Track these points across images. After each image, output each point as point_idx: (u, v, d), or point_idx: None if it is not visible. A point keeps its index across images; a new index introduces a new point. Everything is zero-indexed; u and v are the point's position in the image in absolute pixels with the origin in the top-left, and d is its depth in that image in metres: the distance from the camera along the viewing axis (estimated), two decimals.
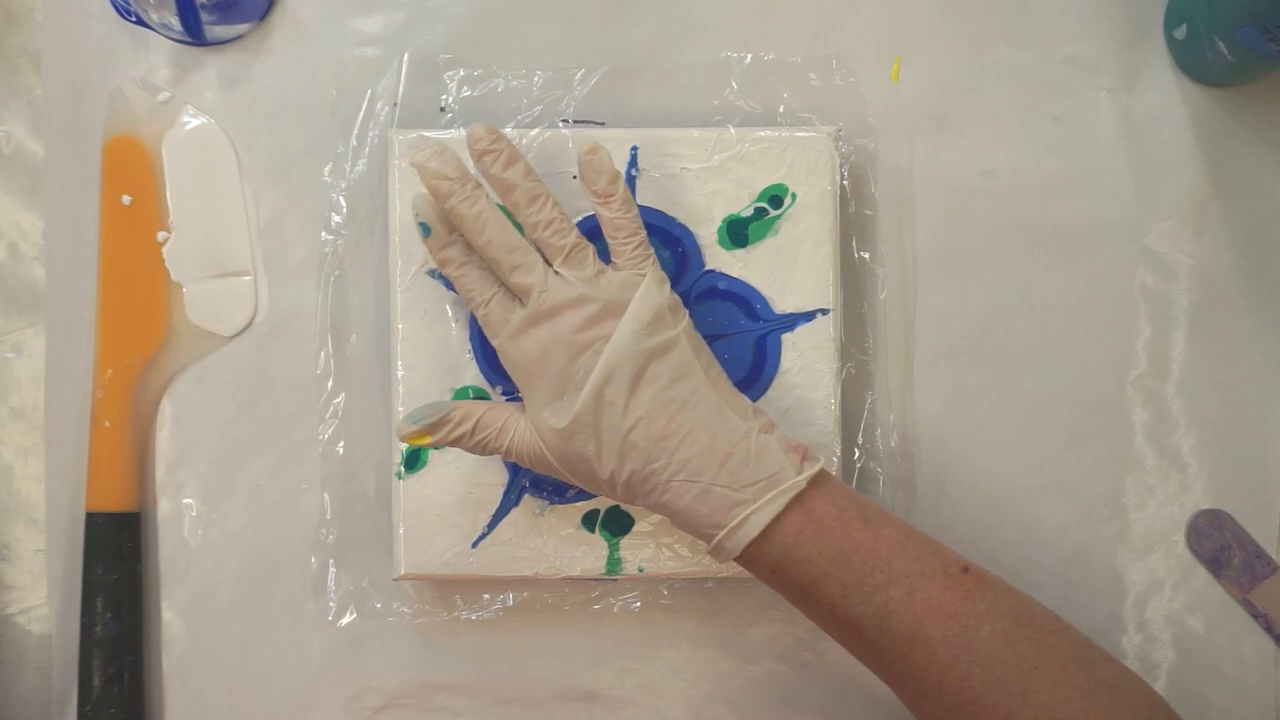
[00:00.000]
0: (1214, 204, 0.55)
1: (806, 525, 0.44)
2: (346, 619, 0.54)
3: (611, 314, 0.45)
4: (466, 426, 0.47)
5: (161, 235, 0.55)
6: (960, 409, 0.55)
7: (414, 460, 0.52)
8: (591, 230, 0.49)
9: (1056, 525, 0.55)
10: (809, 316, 0.52)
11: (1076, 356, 0.55)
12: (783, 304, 0.52)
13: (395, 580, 0.52)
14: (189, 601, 0.55)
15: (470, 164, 0.47)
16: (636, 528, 0.52)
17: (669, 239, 0.52)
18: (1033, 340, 0.55)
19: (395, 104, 0.55)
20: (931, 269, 0.55)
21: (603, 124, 0.54)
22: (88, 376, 0.54)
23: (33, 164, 0.56)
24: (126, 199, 0.55)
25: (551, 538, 0.52)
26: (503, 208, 0.47)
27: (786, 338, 0.52)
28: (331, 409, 0.54)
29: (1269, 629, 0.54)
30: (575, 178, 0.52)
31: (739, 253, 0.52)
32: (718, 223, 0.52)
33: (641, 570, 0.52)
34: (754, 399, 0.52)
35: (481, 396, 0.52)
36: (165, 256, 0.55)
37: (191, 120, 0.55)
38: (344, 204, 0.55)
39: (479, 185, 0.47)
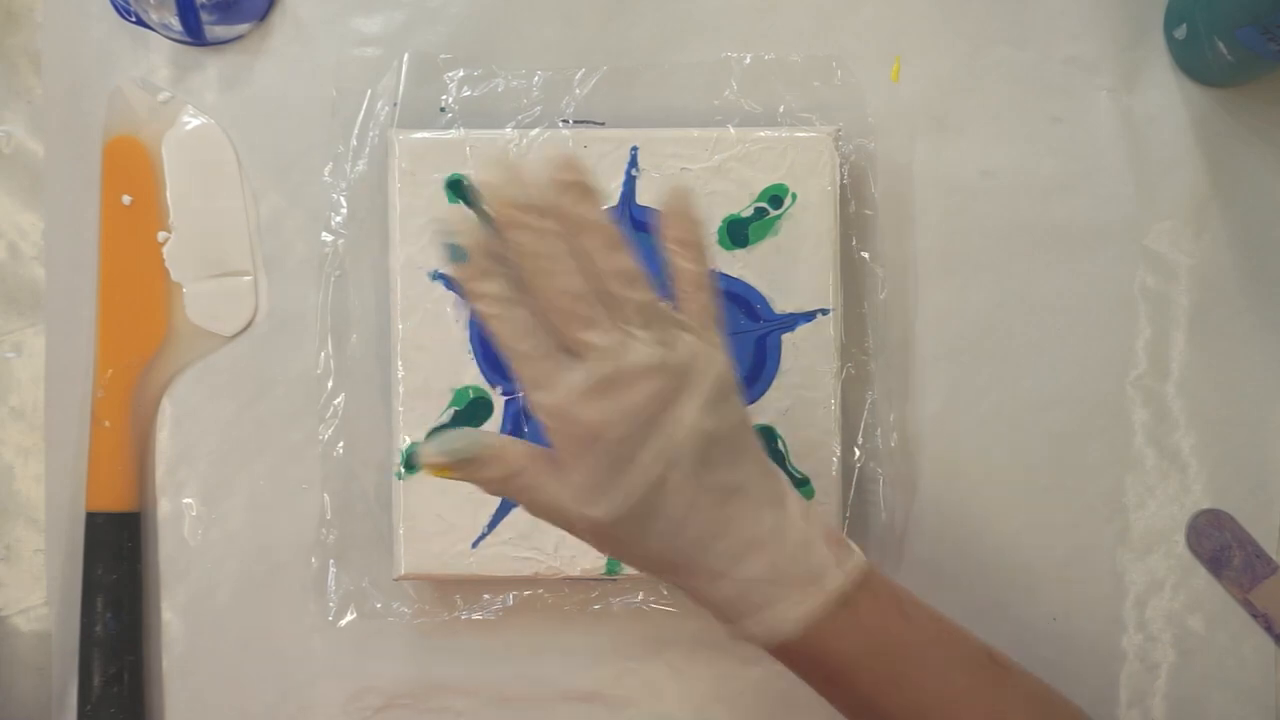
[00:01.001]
0: (1214, 204, 0.55)
1: (843, 618, 0.40)
2: (346, 619, 0.54)
3: (685, 387, 0.39)
4: (495, 473, 0.40)
5: (161, 235, 0.55)
6: (960, 409, 0.55)
7: (414, 460, 0.52)
8: None
9: (1056, 525, 0.55)
10: (809, 316, 0.52)
11: (1076, 356, 0.55)
12: (783, 304, 0.52)
13: (395, 580, 0.52)
14: (189, 601, 0.55)
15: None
16: None
17: None
18: (1033, 340, 0.55)
19: (395, 104, 0.55)
20: (931, 269, 0.55)
21: (603, 124, 0.54)
22: (88, 376, 0.54)
23: (33, 164, 0.56)
24: (126, 199, 0.55)
25: (551, 538, 0.52)
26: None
27: (786, 338, 0.52)
28: (331, 409, 0.54)
29: (1269, 629, 0.54)
30: None
31: (739, 253, 0.52)
32: (718, 223, 0.52)
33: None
34: (754, 399, 0.52)
35: (482, 397, 0.52)
36: (165, 256, 0.55)
37: (191, 120, 0.55)
38: (344, 204, 0.55)
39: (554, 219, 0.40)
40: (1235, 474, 0.55)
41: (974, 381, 0.55)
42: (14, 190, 0.56)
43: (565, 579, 0.52)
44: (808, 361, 0.52)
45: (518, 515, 0.52)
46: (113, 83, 0.55)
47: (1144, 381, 0.55)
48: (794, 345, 0.52)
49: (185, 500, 0.55)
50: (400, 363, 0.52)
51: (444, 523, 0.51)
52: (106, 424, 0.54)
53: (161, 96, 0.55)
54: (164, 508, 0.55)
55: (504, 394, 0.52)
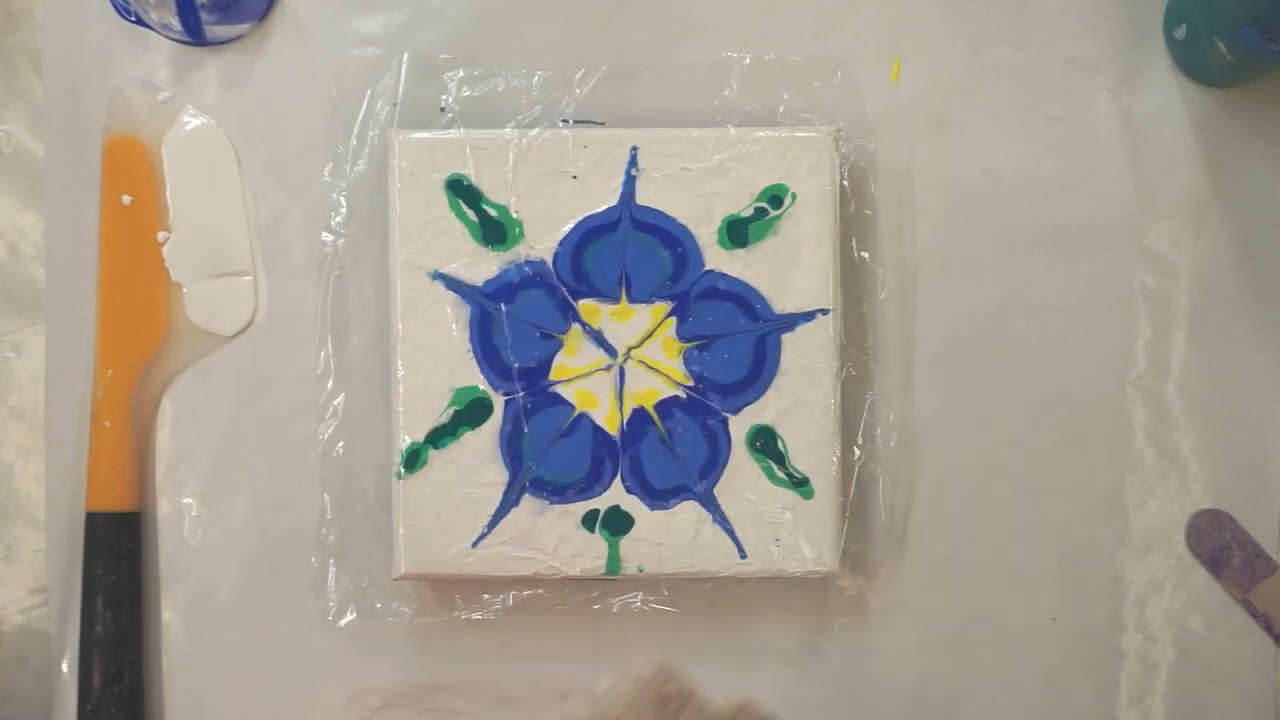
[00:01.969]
0: (1214, 204, 0.55)
1: None
2: (346, 619, 0.54)
3: None
4: None
5: (161, 235, 0.55)
6: (960, 409, 0.55)
7: (414, 460, 0.52)
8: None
9: (1056, 525, 0.55)
10: (809, 316, 0.52)
11: (1076, 356, 0.55)
12: (783, 304, 0.52)
13: (395, 580, 0.52)
14: (189, 601, 0.55)
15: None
16: (636, 528, 0.52)
17: (669, 239, 0.52)
18: (1033, 340, 0.55)
19: (395, 104, 0.55)
20: (931, 269, 0.55)
21: (603, 124, 0.54)
22: (88, 376, 0.54)
23: (33, 164, 0.56)
24: (126, 199, 0.55)
25: (551, 538, 0.52)
26: None
27: (786, 338, 0.52)
28: (331, 409, 0.54)
29: (1269, 629, 0.54)
30: (575, 177, 0.52)
31: (739, 253, 0.52)
32: (718, 223, 0.52)
33: (641, 570, 0.52)
34: (754, 399, 0.52)
35: (483, 398, 0.52)
36: (165, 256, 0.55)
37: (191, 120, 0.55)
38: (344, 204, 0.55)
39: None
40: (1235, 474, 0.55)
41: (974, 381, 0.55)
42: (14, 190, 0.56)
43: (565, 579, 0.52)
44: (808, 361, 0.52)
45: (518, 515, 0.52)
46: (113, 83, 0.55)
47: (1144, 381, 0.55)
48: (794, 345, 0.52)
49: (185, 500, 0.55)
50: (400, 363, 0.52)
51: (444, 523, 0.52)
52: (106, 424, 0.54)
53: (161, 96, 0.55)
54: (164, 508, 0.55)
55: (504, 394, 0.52)
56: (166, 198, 0.55)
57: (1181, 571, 0.55)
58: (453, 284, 0.52)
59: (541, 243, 0.52)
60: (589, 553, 0.52)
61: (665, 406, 0.52)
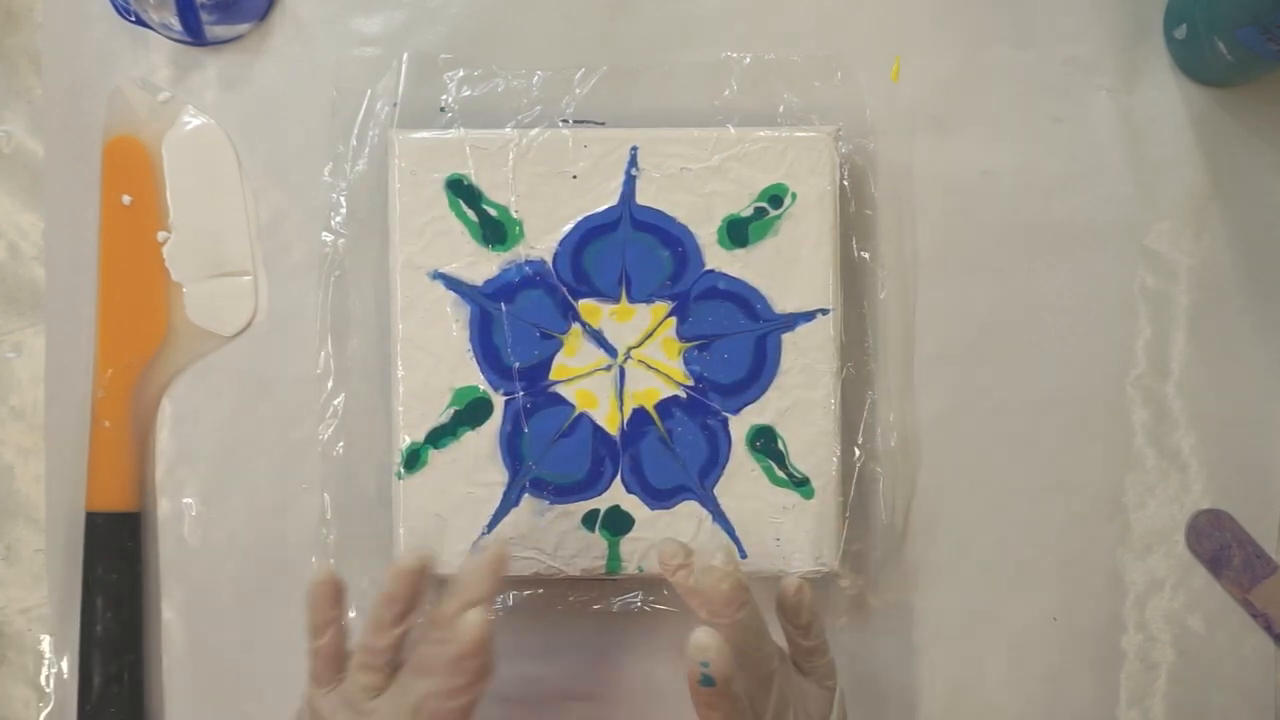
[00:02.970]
0: (1214, 204, 0.55)
1: None
2: (346, 619, 0.54)
3: None
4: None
5: (161, 235, 0.55)
6: (960, 409, 0.55)
7: (414, 460, 0.52)
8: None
9: (1056, 525, 0.55)
10: (809, 316, 0.52)
11: (1076, 356, 0.55)
12: (783, 304, 0.52)
13: None
14: (189, 601, 0.55)
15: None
16: (636, 528, 0.52)
17: (669, 239, 0.52)
18: (1033, 340, 0.55)
19: (395, 104, 0.55)
20: (931, 269, 0.55)
21: (603, 124, 0.54)
22: (88, 376, 0.54)
23: (33, 164, 0.56)
24: (126, 199, 0.55)
25: (551, 538, 0.52)
26: None
27: (786, 338, 0.52)
28: (331, 409, 0.54)
29: (1269, 629, 0.54)
30: (575, 177, 0.52)
31: (739, 252, 0.52)
32: (718, 222, 0.52)
33: (641, 570, 0.52)
34: (754, 399, 0.52)
35: (483, 399, 0.52)
36: (165, 256, 0.55)
37: (191, 120, 0.55)
38: (344, 204, 0.55)
39: None
40: (1235, 474, 0.55)
41: (974, 381, 0.55)
42: (14, 190, 0.56)
43: (565, 579, 0.52)
44: (808, 361, 0.52)
45: (518, 515, 0.52)
46: (113, 83, 0.55)
47: (1144, 381, 0.55)
48: (794, 345, 0.52)
49: (185, 500, 0.55)
50: (400, 363, 0.52)
51: (444, 523, 0.51)
52: (106, 424, 0.54)
53: (161, 96, 0.55)
54: (164, 508, 0.55)
55: (504, 394, 0.52)
56: (166, 198, 0.55)
57: (1181, 571, 0.55)
58: (453, 284, 0.52)
59: (541, 242, 0.52)
60: (589, 553, 0.52)
61: (665, 406, 0.52)
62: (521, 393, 0.52)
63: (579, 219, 0.52)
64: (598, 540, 0.52)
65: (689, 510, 0.52)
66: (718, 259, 0.52)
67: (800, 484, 0.52)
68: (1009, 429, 0.55)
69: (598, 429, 0.52)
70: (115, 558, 0.53)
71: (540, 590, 0.54)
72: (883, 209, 0.55)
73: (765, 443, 0.52)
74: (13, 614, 0.55)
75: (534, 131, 0.52)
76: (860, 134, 0.55)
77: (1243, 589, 0.54)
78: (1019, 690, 0.55)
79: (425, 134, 0.52)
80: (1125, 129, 0.55)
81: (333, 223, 0.55)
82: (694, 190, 0.52)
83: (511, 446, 0.52)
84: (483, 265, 0.52)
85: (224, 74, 0.56)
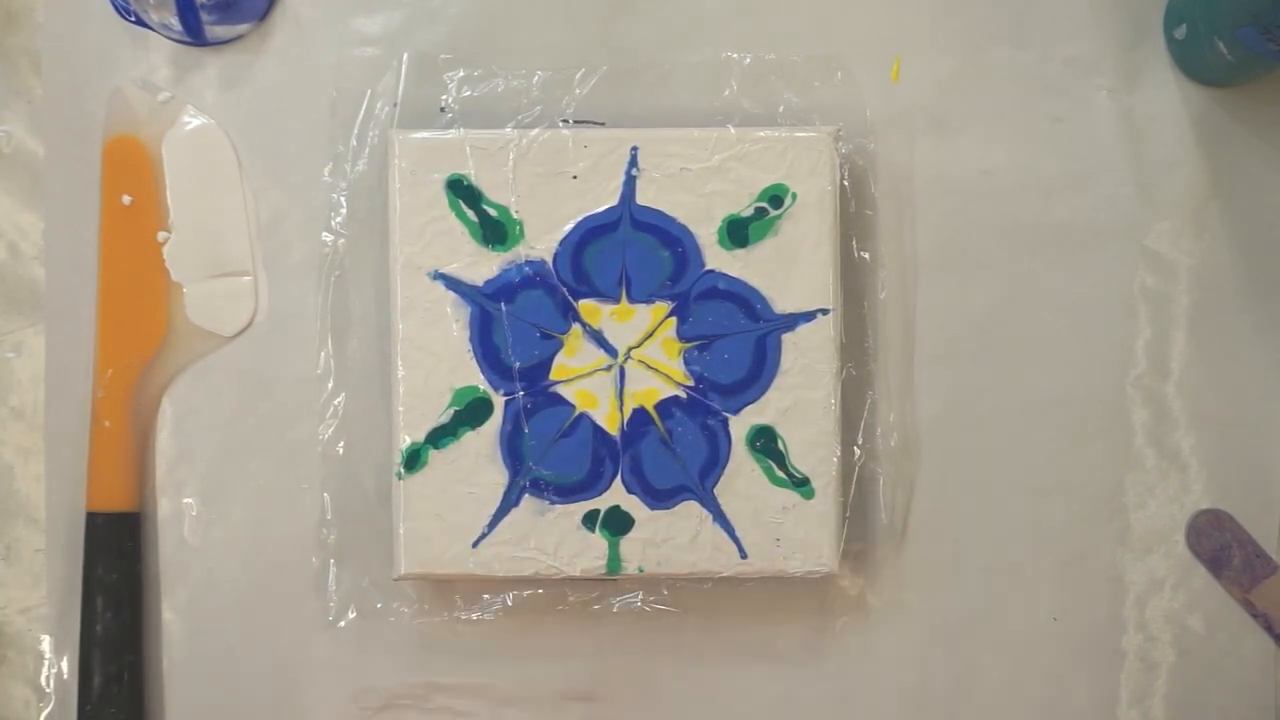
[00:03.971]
0: (1214, 204, 0.55)
1: None
2: (346, 619, 0.54)
3: None
4: None
5: (161, 235, 0.55)
6: (960, 409, 0.55)
7: (414, 460, 0.52)
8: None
9: (1056, 525, 0.55)
10: (809, 316, 0.52)
11: (1076, 356, 0.55)
12: (783, 304, 0.52)
13: (395, 580, 0.52)
14: (189, 601, 0.55)
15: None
16: (637, 528, 0.52)
17: (669, 239, 0.52)
18: (1033, 340, 0.55)
19: (395, 104, 0.55)
20: (931, 269, 0.55)
21: (603, 124, 0.54)
22: (88, 376, 0.54)
23: (33, 164, 0.56)
24: (126, 199, 0.55)
25: (551, 538, 0.52)
26: None
27: (786, 338, 0.52)
28: (331, 409, 0.54)
29: (1269, 629, 0.54)
30: (575, 177, 0.52)
31: (739, 253, 0.52)
32: (718, 223, 0.52)
33: (641, 570, 0.52)
34: (754, 399, 0.52)
35: (483, 399, 0.52)
36: (165, 256, 0.55)
37: (191, 120, 0.55)
38: (344, 204, 0.55)
39: None
40: (1235, 474, 0.55)
41: (974, 381, 0.55)
42: (14, 190, 0.56)
43: (565, 579, 0.52)
44: (808, 361, 0.52)
45: (518, 515, 0.52)
46: (113, 83, 0.55)
47: (1144, 381, 0.55)
48: (794, 345, 0.52)
49: (185, 500, 0.55)
50: (400, 363, 0.52)
51: (444, 523, 0.52)
52: (106, 424, 0.54)
53: (161, 96, 0.55)
54: (164, 508, 0.55)
55: (504, 394, 0.52)
56: (166, 198, 0.55)
57: (1181, 571, 0.55)
58: (453, 284, 0.52)
59: (542, 243, 0.52)
60: (589, 553, 0.52)
61: (665, 406, 0.52)
62: (521, 393, 0.52)
63: (579, 219, 0.52)
64: (598, 540, 0.52)
65: (689, 510, 0.52)
66: (718, 259, 0.52)
67: (800, 484, 0.52)
68: (1009, 429, 0.55)
69: (598, 429, 0.52)
70: (115, 558, 0.53)
71: (540, 590, 0.54)
72: (883, 209, 0.55)
73: (765, 443, 0.52)
74: (13, 614, 0.55)
75: (534, 132, 0.52)
76: (860, 134, 0.55)
77: (1243, 589, 0.54)
78: (1019, 690, 0.55)
79: (425, 134, 0.52)
80: (1125, 129, 0.55)
81: (333, 223, 0.55)
82: (694, 190, 0.52)
83: (511, 447, 0.52)
84: (483, 265, 0.52)
85: (224, 74, 0.56)
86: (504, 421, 0.52)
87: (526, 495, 0.52)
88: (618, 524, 0.52)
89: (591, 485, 0.52)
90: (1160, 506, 0.55)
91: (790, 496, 0.52)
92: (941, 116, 0.55)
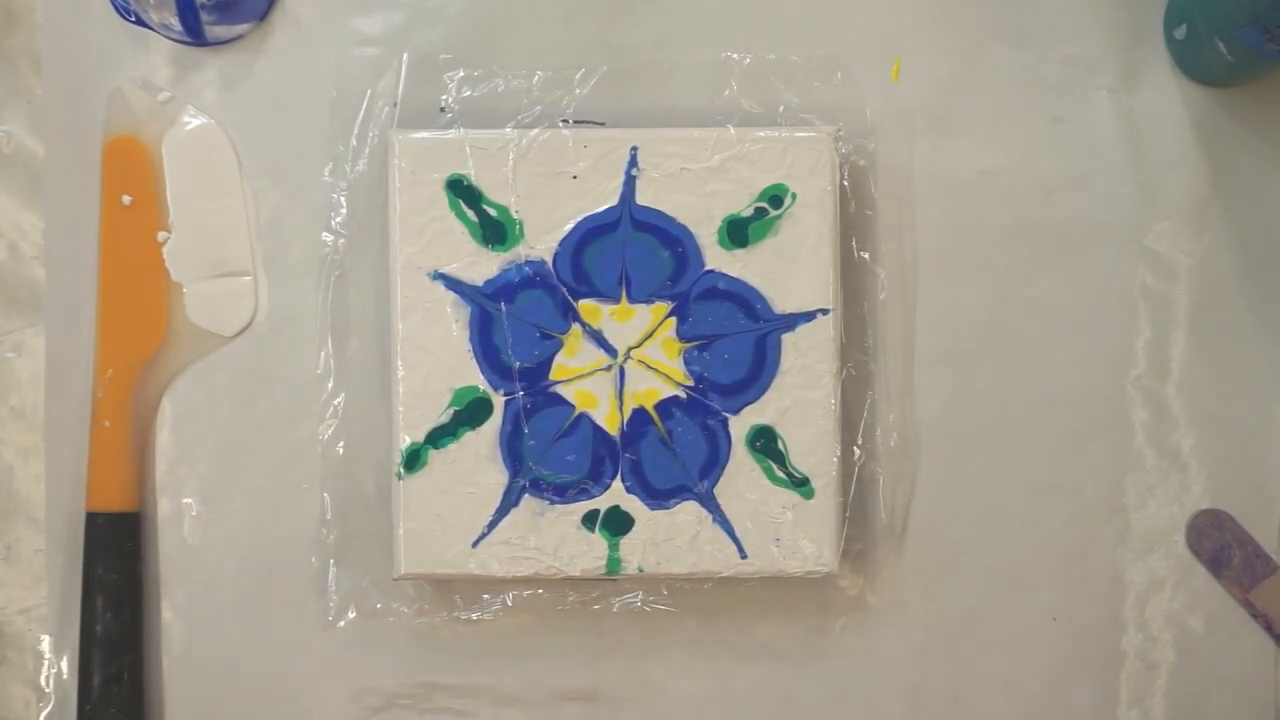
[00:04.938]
0: (1214, 204, 0.55)
1: None
2: (346, 619, 0.54)
3: None
4: None
5: (161, 235, 0.55)
6: (960, 409, 0.55)
7: (414, 460, 0.52)
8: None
9: (1056, 525, 0.55)
10: (809, 316, 0.52)
11: (1076, 356, 0.55)
12: (783, 304, 0.52)
13: (395, 580, 0.52)
14: (189, 601, 0.55)
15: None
16: (637, 528, 0.52)
17: (669, 239, 0.52)
18: (1033, 340, 0.55)
19: (395, 104, 0.55)
20: (931, 269, 0.55)
21: (603, 124, 0.54)
22: (88, 376, 0.54)
23: (33, 164, 0.56)
24: (126, 199, 0.55)
25: (551, 538, 0.52)
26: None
27: (786, 338, 0.52)
28: (331, 409, 0.54)
29: (1269, 629, 0.54)
30: (575, 177, 0.52)
31: (739, 253, 0.52)
32: (718, 223, 0.52)
33: (641, 570, 0.52)
34: (754, 399, 0.52)
35: (483, 399, 0.52)
36: (165, 256, 0.55)
37: (191, 120, 0.55)
38: (344, 204, 0.55)
39: None
40: (1235, 474, 0.55)
41: (974, 381, 0.55)
42: (14, 190, 0.56)
43: (565, 579, 0.52)
44: (808, 361, 0.52)
45: (518, 515, 0.52)
46: (113, 83, 0.55)
47: (1144, 381, 0.55)
48: (794, 345, 0.52)
49: (185, 500, 0.55)
50: (400, 363, 0.52)
51: (444, 523, 0.52)
52: (106, 424, 0.54)
53: (161, 96, 0.55)
54: (164, 508, 0.55)
55: (504, 394, 0.52)
56: (166, 198, 0.55)
57: (1181, 571, 0.55)
58: (453, 284, 0.52)
59: (541, 243, 0.52)
60: (589, 553, 0.52)
61: (665, 406, 0.52)
62: (521, 393, 0.52)
63: (579, 219, 0.52)
64: (598, 540, 0.52)
65: (689, 510, 0.52)
66: (718, 259, 0.52)
67: (800, 484, 0.52)
68: (1009, 429, 0.55)
69: (598, 429, 0.52)
70: (115, 558, 0.53)
71: (540, 590, 0.54)
72: (883, 209, 0.55)
73: (765, 443, 0.52)
74: (13, 614, 0.55)
75: (534, 132, 0.52)
76: (860, 134, 0.55)
77: (1243, 589, 0.54)
78: (1019, 690, 0.55)
79: (425, 134, 0.52)
80: (1125, 129, 0.55)
81: (333, 223, 0.55)
82: (694, 190, 0.52)
83: (511, 447, 0.52)
84: (483, 265, 0.52)
85: (224, 74, 0.56)
86: (504, 421, 0.52)
87: (526, 495, 0.52)
88: (618, 524, 0.52)
89: (591, 485, 0.52)
90: (1160, 506, 0.55)
91: (790, 496, 0.52)
92: (941, 116, 0.55)
